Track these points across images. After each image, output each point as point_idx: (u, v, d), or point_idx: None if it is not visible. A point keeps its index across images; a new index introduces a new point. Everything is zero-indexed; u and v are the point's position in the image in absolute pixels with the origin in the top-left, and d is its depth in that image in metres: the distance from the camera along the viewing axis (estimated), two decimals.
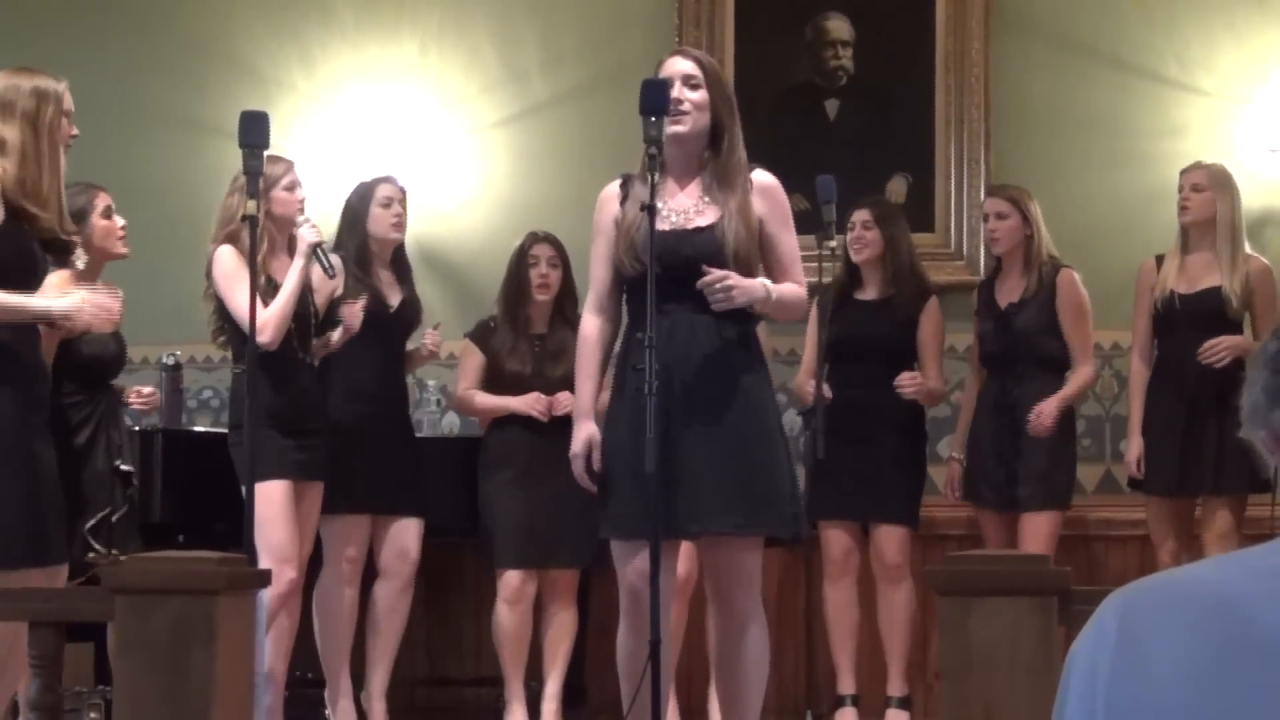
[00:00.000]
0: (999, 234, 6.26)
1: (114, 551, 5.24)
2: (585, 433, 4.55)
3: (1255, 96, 6.87)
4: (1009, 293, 6.28)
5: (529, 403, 6.16)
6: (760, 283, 4.45)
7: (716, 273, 4.35)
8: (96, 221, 5.46)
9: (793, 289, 4.56)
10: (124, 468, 5.46)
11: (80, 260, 5.32)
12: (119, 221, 5.54)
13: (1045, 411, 6.04)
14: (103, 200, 5.49)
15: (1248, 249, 6.13)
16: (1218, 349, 5.91)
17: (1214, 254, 6.09)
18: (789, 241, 4.60)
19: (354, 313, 5.92)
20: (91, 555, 5.16)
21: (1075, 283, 6.23)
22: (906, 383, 6.13)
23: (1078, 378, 6.21)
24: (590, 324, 4.65)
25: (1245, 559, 1.50)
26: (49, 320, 4.81)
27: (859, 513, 6.27)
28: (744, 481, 4.39)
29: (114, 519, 5.38)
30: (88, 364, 5.40)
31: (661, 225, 4.36)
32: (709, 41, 7.03)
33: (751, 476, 4.40)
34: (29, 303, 4.73)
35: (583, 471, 4.54)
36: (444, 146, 7.32)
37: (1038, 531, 6.09)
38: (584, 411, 4.59)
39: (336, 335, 5.92)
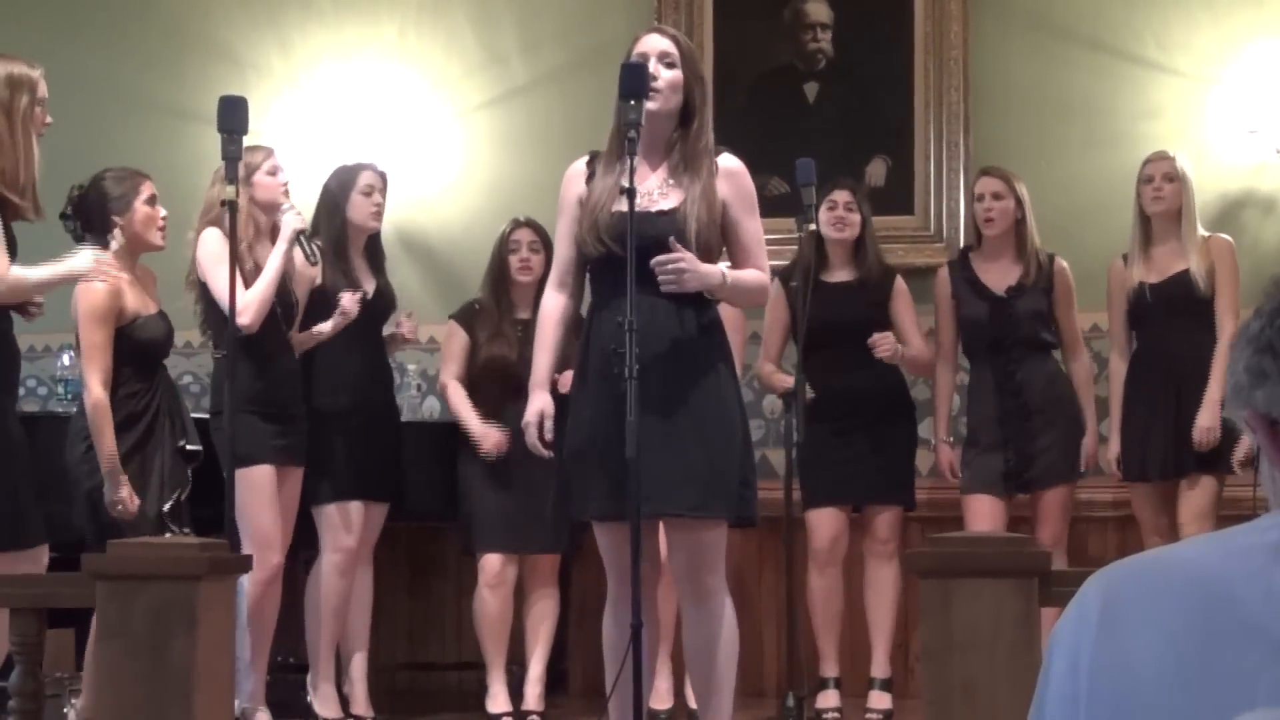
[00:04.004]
0: (995, 214, 6.24)
1: (187, 531, 5.26)
2: (539, 403, 4.57)
3: (1232, 77, 6.88)
4: (1002, 276, 6.26)
5: (484, 433, 6.16)
6: (718, 269, 4.44)
7: (672, 254, 4.35)
8: (139, 208, 5.46)
9: (754, 275, 4.56)
10: (189, 447, 5.46)
11: (115, 242, 5.36)
12: (161, 211, 5.53)
13: (1092, 453, 6.22)
14: (147, 188, 5.48)
15: (1203, 230, 6.16)
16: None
17: (1178, 241, 6.10)
18: (752, 226, 4.58)
19: (352, 301, 5.92)
20: (169, 535, 5.17)
21: (1069, 271, 6.28)
22: (880, 340, 6.09)
23: (1084, 373, 6.29)
24: (551, 300, 4.66)
25: (1228, 539, 1.51)
26: (66, 282, 4.94)
27: (851, 496, 6.27)
28: (701, 464, 4.39)
29: (182, 499, 5.39)
30: (144, 349, 5.40)
31: (625, 207, 4.33)
32: (688, 24, 7.03)
33: (708, 459, 4.40)
34: (54, 271, 4.87)
35: (535, 440, 4.55)
36: (424, 130, 7.30)
37: (1057, 508, 6.12)
38: (539, 383, 4.60)
39: (330, 325, 5.90)
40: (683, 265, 4.34)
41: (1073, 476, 6.20)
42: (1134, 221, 6.18)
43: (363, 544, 6.10)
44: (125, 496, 5.17)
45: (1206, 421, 5.88)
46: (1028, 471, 6.14)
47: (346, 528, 5.99)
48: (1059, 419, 6.16)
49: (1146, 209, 6.13)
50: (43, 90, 4.99)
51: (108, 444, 5.18)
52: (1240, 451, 5.86)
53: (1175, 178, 6.10)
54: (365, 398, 6.07)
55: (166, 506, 5.32)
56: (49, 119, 5.03)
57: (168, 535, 5.18)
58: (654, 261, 4.32)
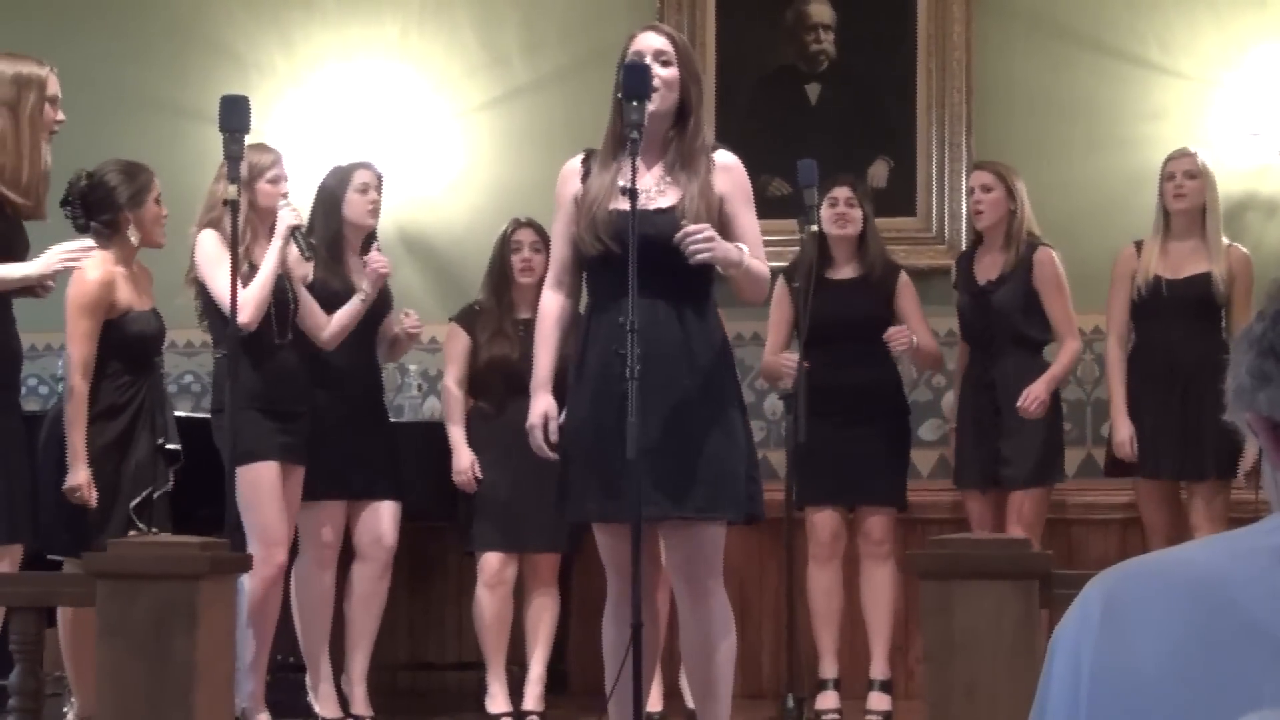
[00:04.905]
0: (984, 206, 6.24)
1: (154, 530, 5.26)
2: (542, 405, 4.56)
3: (1235, 80, 6.88)
4: (987, 269, 6.27)
5: (460, 457, 6.18)
6: (737, 246, 4.44)
7: (698, 225, 4.33)
8: (151, 206, 5.47)
9: (760, 265, 4.55)
10: (169, 446, 5.47)
11: (134, 237, 5.37)
12: (164, 210, 5.54)
13: (1034, 395, 6.03)
14: (156, 186, 5.50)
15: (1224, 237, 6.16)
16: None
17: (1200, 240, 6.11)
18: (750, 221, 4.57)
19: (376, 258, 5.91)
20: (133, 533, 5.18)
21: (1052, 260, 6.21)
22: (896, 334, 6.10)
23: (1064, 353, 6.18)
24: (550, 299, 4.65)
25: (1230, 541, 1.50)
26: (28, 284, 4.93)
27: (846, 496, 6.27)
28: (703, 465, 4.38)
29: (154, 497, 5.39)
30: (133, 343, 5.41)
31: (622, 205, 4.33)
32: (690, 24, 7.03)
33: (710, 460, 4.39)
34: (26, 271, 4.86)
35: (541, 443, 4.55)
36: (425, 130, 7.30)
37: (1024, 510, 6.09)
38: (541, 384, 4.58)
39: (366, 285, 5.90)
40: (711, 234, 4.33)
41: (1044, 482, 6.16)
42: (1156, 216, 6.18)
43: (378, 548, 6.09)
44: (84, 483, 5.18)
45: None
46: (997, 469, 6.13)
47: (321, 526, 5.98)
48: (1030, 422, 6.13)
49: (1169, 206, 6.14)
50: (53, 88, 4.99)
51: (78, 432, 5.20)
52: (1248, 462, 5.83)
53: (1197, 175, 6.11)
54: (348, 396, 6.04)
55: (133, 503, 5.33)
56: (61, 116, 5.04)
57: (132, 534, 5.19)
58: (681, 234, 4.30)
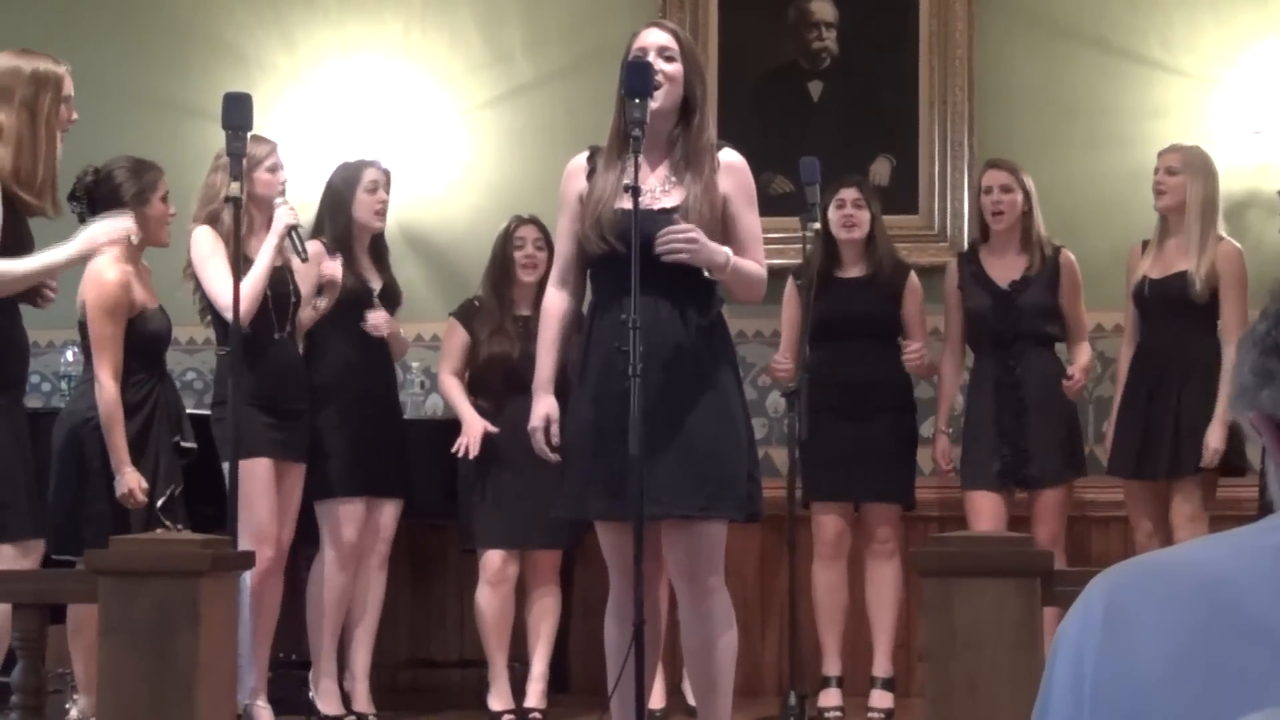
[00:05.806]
0: (1004, 207, 6.23)
1: (180, 527, 5.27)
2: (544, 407, 4.57)
3: (1236, 78, 6.88)
4: (1007, 269, 6.26)
5: (471, 422, 6.13)
6: (724, 249, 4.43)
7: (681, 225, 4.33)
8: (156, 204, 5.47)
9: (754, 265, 4.54)
10: (184, 444, 5.47)
11: (135, 236, 5.37)
12: (171, 209, 5.54)
13: (1078, 376, 6.06)
14: (164, 184, 5.50)
15: (1222, 232, 6.11)
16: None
17: (1184, 237, 6.09)
18: (751, 221, 4.57)
19: (332, 267, 5.88)
20: (160, 531, 5.19)
21: (1075, 264, 6.26)
22: (913, 353, 6.13)
23: (1083, 352, 6.22)
24: (553, 298, 4.65)
25: (1235, 539, 1.50)
26: (70, 267, 4.95)
27: (853, 493, 6.27)
28: (705, 464, 4.39)
29: (176, 494, 5.40)
30: (148, 342, 5.41)
31: (627, 204, 4.33)
32: (692, 22, 7.03)
33: (712, 459, 4.39)
34: (53, 257, 4.86)
35: (542, 444, 4.56)
36: (428, 128, 7.30)
37: (1052, 507, 6.11)
38: (543, 385, 4.60)
39: (323, 301, 5.89)
40: (694, 235, 4.32)
41: (1069, 476, 6.18)
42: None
43: (376, 541, 6.09)
44: (135, 486, 5.19)
45: (1215, 443, 5.86)
46: (1024, 468, 6.13)
47: (345, 524, 5.98)
48: (1056, 417, 6.14)
49: (1155, 203, 6.14)
50: (68, 87, 5.00)
51: (119, 437, 5.20)
52: (1208, 458, 5.84)
53: (1177, 171, 6.08)
54: (366, 394, 6.06)
55: (160, 502, 5.33)
56: (75, 116, 5.04)
57: (159, 531, 5.20)
58: (663, 232, 4.30)
